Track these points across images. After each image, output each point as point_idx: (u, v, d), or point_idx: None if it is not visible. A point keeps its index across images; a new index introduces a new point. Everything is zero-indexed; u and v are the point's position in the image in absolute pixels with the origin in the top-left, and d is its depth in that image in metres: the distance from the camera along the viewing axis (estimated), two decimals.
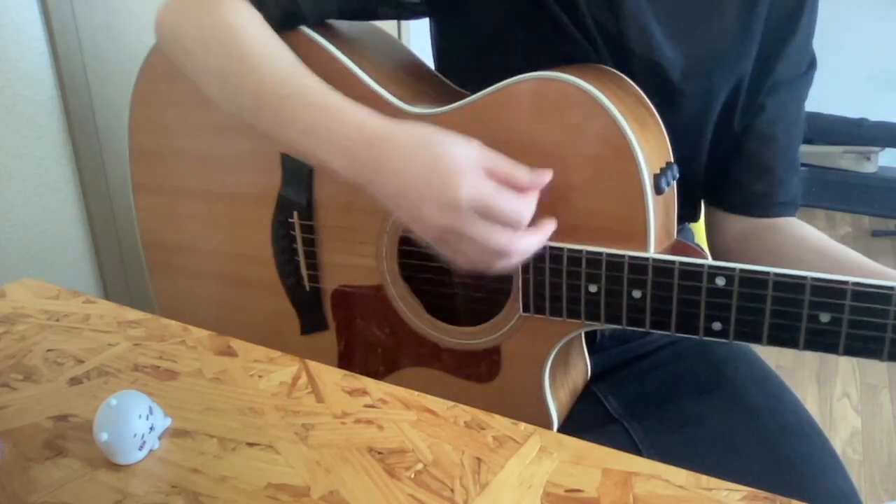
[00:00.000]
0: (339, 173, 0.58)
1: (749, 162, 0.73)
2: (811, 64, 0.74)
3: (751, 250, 0.74)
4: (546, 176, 0.58)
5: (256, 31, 0.64)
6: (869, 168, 3.10)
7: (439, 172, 0.54)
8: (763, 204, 0.74)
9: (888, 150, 3.06)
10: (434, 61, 0.80)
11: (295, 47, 0.68)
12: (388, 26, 0.80)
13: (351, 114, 0.58)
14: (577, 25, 0.65)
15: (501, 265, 0.57)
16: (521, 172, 0.57)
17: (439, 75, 0.76)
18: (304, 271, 0.75)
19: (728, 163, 0.74)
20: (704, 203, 0.81)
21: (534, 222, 0.57)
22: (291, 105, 0.60)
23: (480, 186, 0.54)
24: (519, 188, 0.56)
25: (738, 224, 0.76)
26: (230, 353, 0.62)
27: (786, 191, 0.74)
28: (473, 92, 0.63)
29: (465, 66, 0.74)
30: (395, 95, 0.66)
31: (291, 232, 0.74)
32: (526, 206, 0.56)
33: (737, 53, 0.69)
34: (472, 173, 0.54)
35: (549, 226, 0.59)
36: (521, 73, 0.60)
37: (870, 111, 3.08)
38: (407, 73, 0.73)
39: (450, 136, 0.56)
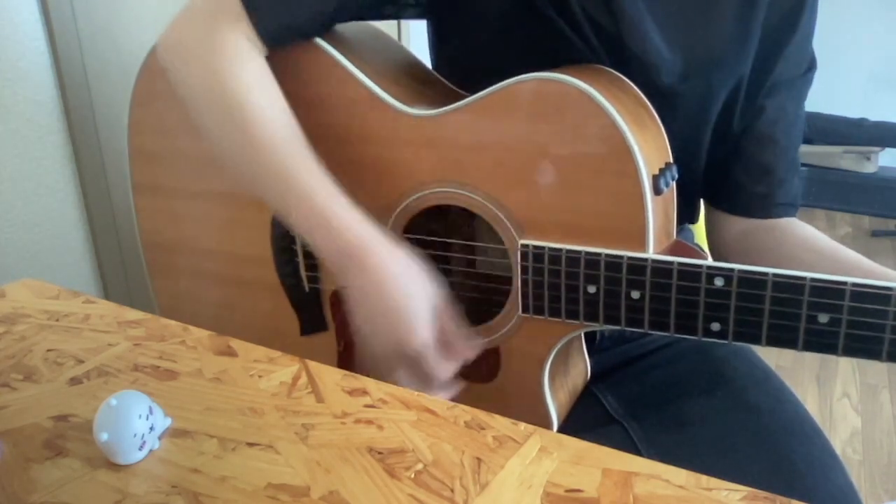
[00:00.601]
0: (325, 262, 0.64)
1: (749, 163, 0.74)
2: (811, 65, 0.74)
3: (751, 250, 0.74)
4: (476, 350, 0.65)
5: (261, 95, 0.64)
6: (869, 168, 3.10)
7: (400, 312, 0.59)
8: (763, 205, 0.74)
9: (888, 150, 3.06)
10: (431, 62, 0.80)
11: (293, 49, 0.68)
12: (387, 26, 0.80)
13: (344, 222, 0.61)
14: (573, 28, 0.65)
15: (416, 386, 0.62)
16: (461, 339, 0.63)
17: (438, 76, 0.77)
18: (303, 272, 0.76)
19: (728, 164, 0.74)
20: (704, 204, 0.81)
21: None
22: (290, 193, 0.62)
23: (426, 345, 0.60)
24: (452, 350, 0.62)
25: (738, 224, 0.76)
26: (230, 353, 0.62)
27: (786, 192, 0.74)
28: (472, 93, 0.63)
29: (462, 68, 0.74)
30: (393, 96, 0.66)
31: (290, 232, 0.74)
32: (447, 370, 0.62)
33: (735, 55, 0.69)
34: (427, 328, 0.60)
35: (454, 389, 0.64)
36: (519, 73, 0.60)
37: (870, 111, 3.08)
38: (406, 74, 0.73)
39: (418, 278, 0.61)
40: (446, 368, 0.61)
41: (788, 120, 0.73)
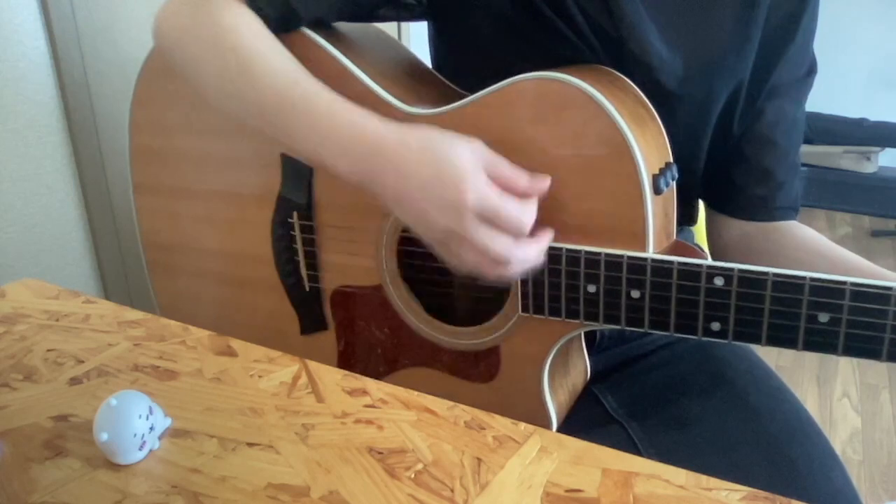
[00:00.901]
0: (346, 177, 0.59)
1: (749, 166, 0.74)
2: (811, 68, 0.73)
3: (751, 253, 0.74)
4: (545, 181, 0.58)
5: (257, 38, 0.63)
6: (869, 168, 3.10)
7: (443, 175, 0.54)
8: (763, 208, 0.74)
9: (888, 150, 3.06)
10: (432, 63, 0.80)
11: (294, 48, 0.68)
12: (387, 27, 0.80)
13: (356, 119, 0.58)
14: (573, 29, 0.65)
15: (499, 272, 0.57)
16: (522, 177, 0.57)
17: (439, 76, 0.77)
18: (303, 271, 0.76)
19: (728, 167, 0.74)
20: (705, 206, 0.81)
21: (533, 230, 0.57)
22: (296, 113, 0.60)
23: (484, 191, 0.54)
24: (520, 193, 0.56)
25: (738, 227, 0.76)
26: (230, 353, 0.62)
27: (786, 194, 0.74)
28: (472, 92, 0.63)
29: (462, 68, 0.74)
30: (394, 96, 0.66)
31: (291, 232, 0.74)
32: (527, 213, 0.56)
33: (735, 57, 0.68)
34: (475, 177, 0.54)
35: (548, 237, 0.59)
36: (518, 74, 0.60)
37: (870, 111, 3.08)
38: (406, 74, 0.73)
39: (454, 139, 0.56)
40: (523, 211, 0.55)
41: (788, 123, 0.73)
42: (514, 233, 0.56)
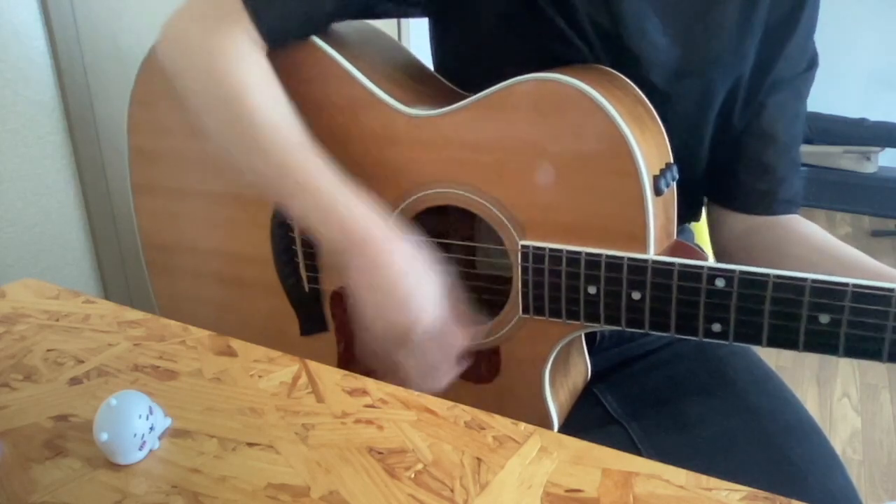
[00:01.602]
0: (330, 249, 0.63)
1: (750, 161, 0.74)
2: (812, 62, 0.73)
3: (752, 248, 0.74)
4: (471, 341, 0.64)
5: (260, 90, 0.64)
6: (869, 168, 3.10)
7: (408, 294, 0.59)
8: (765, 202, 0.74)
9: (888, 150, 3.06)
10: (433, 62, 0.80)
11: (293, 50, 0.68)
12: (387, 26, 0.80)
13: (347, 210, 0.61)
14: (573, 27, 0.65)
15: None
16: (461, 324, 0.63)
17: (438, 76, 0.76)
18: (303, 272, 0.76)
19: (729, 161, 0.74)
20: (706, 202, 0.80)
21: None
22: (296, 186, 0.62)
23: (435, 326, 0.59)
24: (456, 336, 0.62)
25: (739, 222, 0.76)
26: (230, 353, 0.62)
27: (787, 189, 0.74)
28: (472, 93, 0.63)
29: (463, 67, 0.74)
30: (393, 97, 0.66)
31: (290, 233, 0.74)
32: (454, 353, 0.62)
33: (735, 53, 0.68)
34: (434, 310, 0.59)
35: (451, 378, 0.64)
36: (518, 74, 0.60)
37: (870, 111, 3.08)
38: (406, 75, 0.73)
39: (425, 262, 0.60)
40: (462, 340, 0.61)
41: (789, 118, 0.73)
42: (432, 372, 0.62)
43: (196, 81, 0.65)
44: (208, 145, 0.69)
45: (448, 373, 0.63)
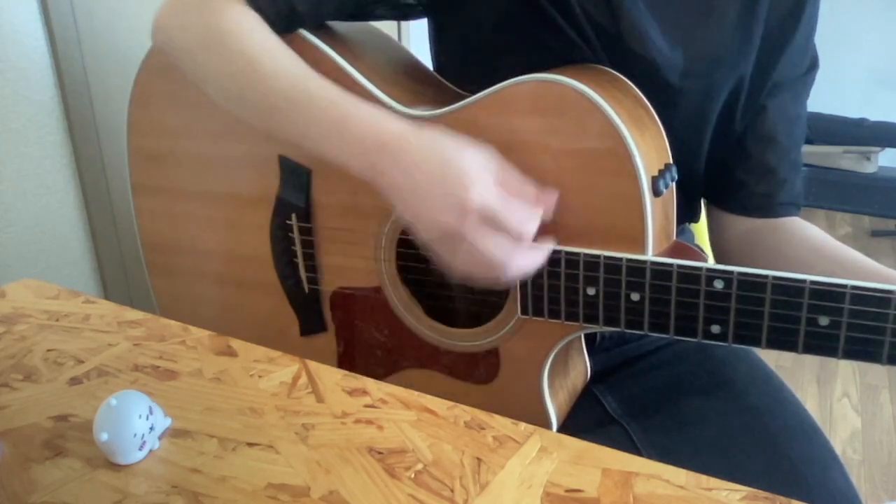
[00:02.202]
0: (355, 171, 0.59)
1: (751, 163, 0.74)
2: (813, 64, 0.74)
3: (753, 250, 0.74)
4: (553, 196, 0.58)
5: (261, 36, 0.64)
6: (869, 168, 3.10)
7: (451, 174, 0.54)
8: (766, 205, 0.74)
9: (888, 150, 3.06)
10: (432, 62, 0.80)
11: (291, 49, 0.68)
12: (387, 27, 0.80)
13: (366, 115, 0.58)
14: (573, 27, 0.65)
15: (495, 277, 0.57)
16: (530, 187, 0.57)
17: (438, 76, 0.77)
18: (303, 273, 0.76)
19: (730, 163, 0.74)
20: (706, 204, 0.81)
21: (535, 238, 0.57)
22: (303, 109, 0.60)
23: (490, 193, 0.54)
24: (526, 202, 0.57)
25: (740, 224, 0.76)
26: (230, 353, 0.62)
27: (788, 191, 0.74)
28: (472, 93, 0.63)
29: (463, 68, 0.74)
30: (392, 98, 0.66)
31: (290, 234, 0.74)
32: (531, 220, 0.56)
33: (736, 54, 0.69)
34: (482, 178, 0.54)
35: (549, 246, 0.59)
36: (518, 74, 0.60)
37: (870, 111, 3.08)
38: (404, 75, 0.73)
39: (463, 141, 0.57)
40: (528, 218, 0.55)
41: (790, 120, 0.73)
42: (515, 238, 0.55)
43: (194, 47, 0.65)
44: (206, 145, 0.69)
45: (525, 257, 0.57)
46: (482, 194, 0.54)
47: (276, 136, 0.64)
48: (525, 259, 0.57)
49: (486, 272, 0.56)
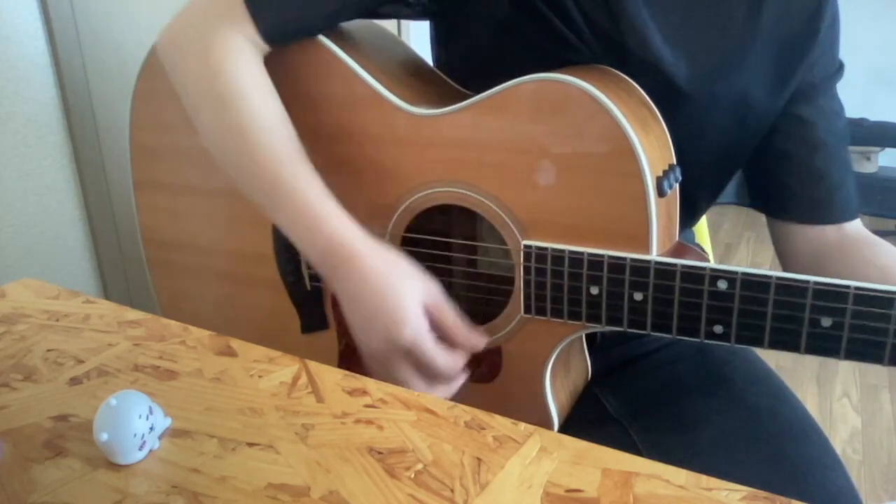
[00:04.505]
0: (314, 265, 0.64)
1: (802, 170, 0.73)
2: (840, 65, 0.74)
3: (821, 258, 0.74)
4: (481, 340, 0.63)
5: (256, 92, 0.65)
6: (869, 168, 3.10)
7: (389, 306, 0.59)
8: (824, 210, 0.74)
9: (888, 150, 3.06)
10: (433, 63, 0.80)
11: (298, 48, 0.68)
12: (387, 26, 0.80)
13: (334, 226, 0.62)
14: (573, 30, 0.65)
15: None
16: (461, 329, 0.62)
17: (442, 75, 0.76)
18: (304, 270, 0.75)
19: (778, 173, 0.74)
20: (768, 220, 0.80)
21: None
22: (282, 197, 0.63)
23: (420, 335, 0.59)
24: (454, 343, 0.61)
25: (804, 234, 0.75)
26: (230, 353, 0.62)
27: (844, 194, 0.74)
28: (475, 93, 0.63)
29: (464, 68, 0.74)
30: (397, 96, 0.66)
31: None
32: (452, 363, 0.61)
33: (739, 60, 0.68)
34: (416, 319, 0.59)
35: (460, 381, 0.63)
36: (520, 76, 0.60)
37: (870, 111, 3.08)
38: (410, 73, 0.73)
39: (412, 275, 0.61)
40: (447, 359, 0.61)
41: (828, 117, 0.73)
42: (435, 379, 0.61)
43: (192, 83, 0.66)
44: (203, 143, 0.69)
45: (453, 379, 0.63)
46: (412, 333, 0.59)
47: (247, 196, 0.67)
48: (442, 392, 0.62)
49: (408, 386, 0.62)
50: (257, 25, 0.64)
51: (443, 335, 0.61)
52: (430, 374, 0.61)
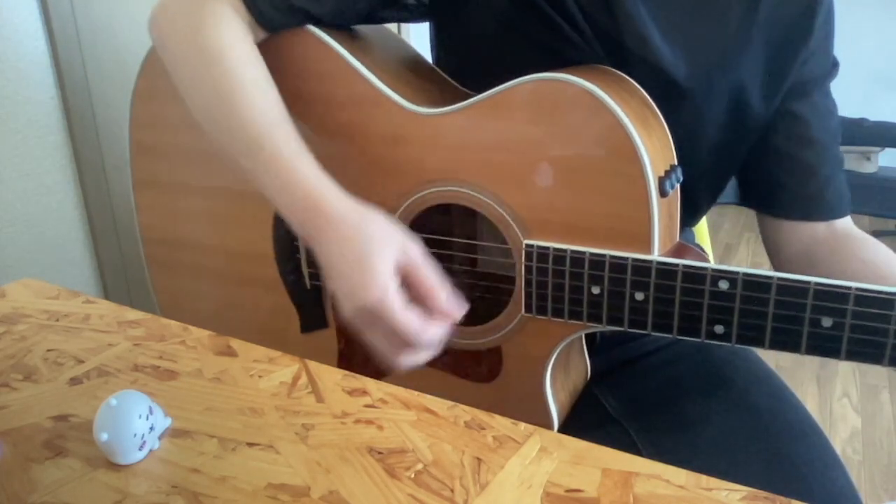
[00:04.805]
0: (293, 228, 0.63)
1: (793, 165, 0.73)
2: (834, 63, 0.74)
3: (813, 255, 0.74)
4: (460, 310, 0.59)
5: (244, 66, 0.65)
6: (869, 168, 3.11)
7: (360, 268, 0.57)
8: (814, 205, 0.74)
9: (888, 150, 3.07)
10: (433, 63, 0.80)
11: (299, 45, 0.68)
12: (387, 26, 0.80)
13: (315, 183, 0.61)
14: (574, 29, 0.65)
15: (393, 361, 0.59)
16: (439, 294, 0.58)
17: (443, 74, 0.76)
18: (304, 269, 0.75)
19: (770, 168, 0.74)
20: (758, 216, 0.80)
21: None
22: (264, 160, 0.63)
23: (385, 296, 0.56)
24: (431, 307, 0.57)
25: (794, 231, 0.75)
26: (230, 353, 0.62)
27: (835, 190, 0.74)
28: (476, 93, 0.63)
29: (464, 69, 0.74)
30: (399, 94, 0.66)
31: (290, 231, 0.74)
32: (426, 330, 0.56)
33: (736, 58, 0.68)
34: (382, 279, 0.56)
35: (430, 351, 0.59)
36: (519, 75, 0.60)
37: (870, 111, 3.08)
38: (411, 72, 0.73)
39: (391, 234, 0.58)
40: (416, 324, 0.56)
41: (821, 115, 0.73)
42: (403, 344, 0.57)
43: (181, 60, 0.66)
44: (205, 137, 0.69)
45: (423, 348, 0.58)
46: (378, 293, 0.55)
47: (228, 160, 0.66)
48: (411, 359, 0.59)
49: (383, 354, 0.59)
50: (250, 10, 0.66)
51: (418, 298, 0.58)
52: (398, 341, 0.57)
